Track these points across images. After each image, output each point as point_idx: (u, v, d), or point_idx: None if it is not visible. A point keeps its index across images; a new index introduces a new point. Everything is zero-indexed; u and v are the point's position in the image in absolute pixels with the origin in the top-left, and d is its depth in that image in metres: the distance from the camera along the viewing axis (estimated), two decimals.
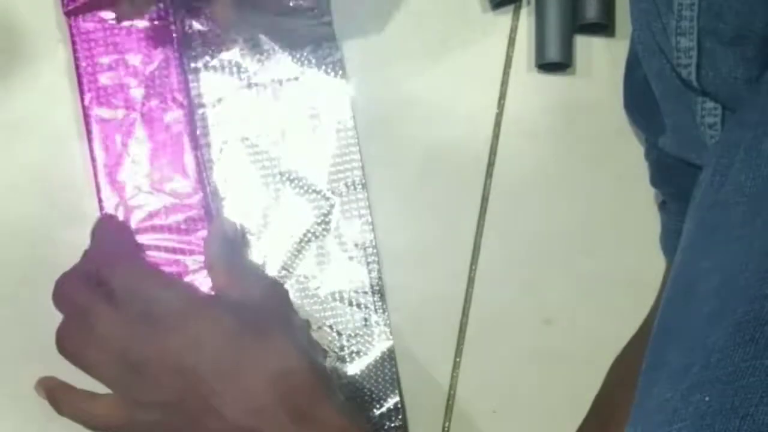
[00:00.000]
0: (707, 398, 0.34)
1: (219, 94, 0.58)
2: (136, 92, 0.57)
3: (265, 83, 0.59)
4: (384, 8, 0.59)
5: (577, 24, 0.59)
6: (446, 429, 0.57)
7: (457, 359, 0.57)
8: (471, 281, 0.58)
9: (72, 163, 0.58)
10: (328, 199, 0.58)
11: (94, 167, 0.57)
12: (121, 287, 0.52)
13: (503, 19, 0.60)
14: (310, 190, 0.58)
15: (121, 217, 0.56)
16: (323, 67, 0.58)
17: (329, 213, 0.58)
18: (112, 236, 0.56)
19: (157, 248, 0.56)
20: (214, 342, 0.50)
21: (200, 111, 0.58)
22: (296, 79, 0.58)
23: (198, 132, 0.57)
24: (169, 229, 0.56)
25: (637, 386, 0.40)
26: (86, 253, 0.55)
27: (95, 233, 0.56)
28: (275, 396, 0.49)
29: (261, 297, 0.54)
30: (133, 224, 0.56)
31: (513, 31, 0.60)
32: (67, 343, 0.52)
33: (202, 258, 0.56)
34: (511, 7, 0.60)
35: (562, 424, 0.55)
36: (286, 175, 0.58)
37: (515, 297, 0.58)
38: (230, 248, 0.56)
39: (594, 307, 0.58)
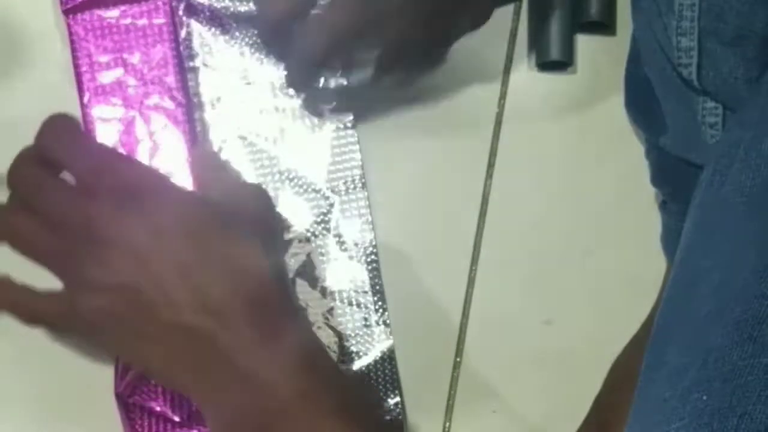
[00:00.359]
0: (705, 397, 0.34)
1: (218, 93, 0.58)
2: (135, 91, 0.57)
3: (264, 82, 0.59)
4: None
5: (578, 23, 0.59)
6: (446, 429, 0.57)
7: (458, 359, 0.57)
8: (471, 281, 0.58)
9: None
10: (327, 198, 0.58)
11: None
12: (83, 164, 0.49)
13: (504, 17, 0.60)
14: (309, 189, 0.58)
15: None
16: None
17: (329, 212, 0.58)
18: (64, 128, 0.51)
19: None
20: (178, 230, 0.48)
21: (199, 110, 0.58)
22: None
23: (197, 131, 0.57)
24: None
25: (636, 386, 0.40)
26: (38, 139, 0.51)
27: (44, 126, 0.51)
28: (236, 299, 0.47)
29: (242, 198, 0.52)
30: None
31: (514, 29, 0.60)
32: (16, 223, 0.49)
33: None
34: (511, 6, 0.60)
35: (562, 424, 0.55)
36: (285, 174, 0.58)
37: (515, 297, 0.58)
38: (214, 164, 0.55)
39: (594, 307, 0.58)
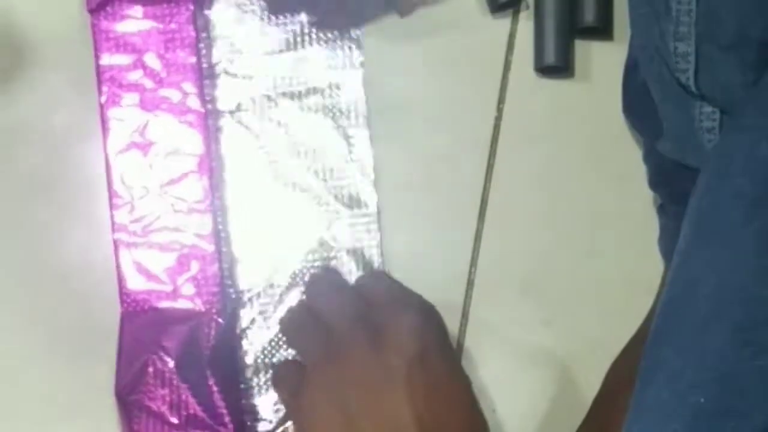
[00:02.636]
0: (703, 399, 0.35)
1: (237, 100, 0.59)
2: (152, 94, 0.57)
3: (283, 92, 0.59)
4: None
5: (575, 28, 0.59)
6: None
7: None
8: (470, 283, 0.58)
9: (74, 166, 0.58)
10: (338, 212, 0.58)
11: (108, 166, 0.57)
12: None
13: (502, 23, 0.60)
14: (320, 202, 0.58)
15: (128, 216, 0.57)
16: (345, 74, 0.59)
17: (338, 226, 0.58)
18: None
19: (162, 248, 0.57)
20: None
21: (216, 115, 0.58)
22: (316, 90, 0.59)
23: (212, 136, 0.58)
24: (176, 230, 0.57)
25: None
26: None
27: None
28: None
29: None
30: (141, 225, 0.57)
31: (512, 35, 0.60)
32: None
33: (204, 255, 0.56)
34: (510, 12, 0.60)
35: (561, 425, 0.55)
36: (297, 186, 0.58)
37: (515, 298, 0.58)
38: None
39: (593, 308, 0.58)
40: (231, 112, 0.59)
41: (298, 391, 0.52)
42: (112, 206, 0.57)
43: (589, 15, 0.59)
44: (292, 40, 0.59)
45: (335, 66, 0.59)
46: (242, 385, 0.57)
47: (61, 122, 0.58)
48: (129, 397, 0.54)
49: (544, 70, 0.59)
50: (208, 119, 0.57)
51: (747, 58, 0.46)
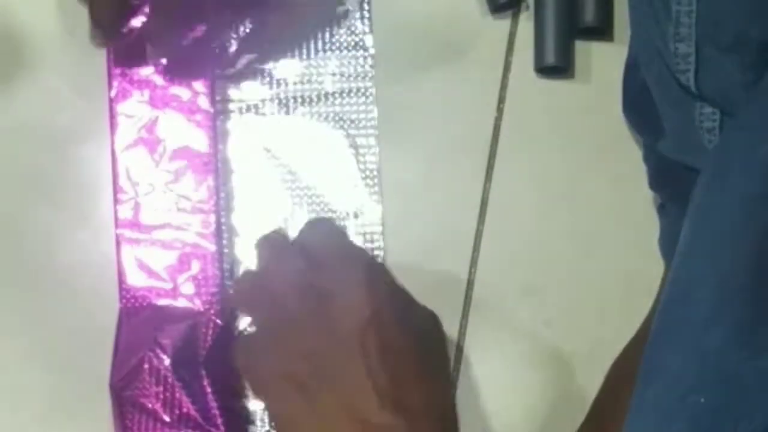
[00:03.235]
0: (703, 399, 0.35)
1: (247, 101, 0.59)
2: (163, 91, 0.57)
3: (294, 97, 0.59)
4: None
5: (575, 28, 0.59)
6: None
7: (457, 360, 0.58)
8: (471, 283, 0.58)
9: (74, 166, 0.58)
10: (343, 219, 0.58)
11: (113, 161, 0.57)
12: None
13: (502, 23, 0.60)
14: (326, 209, 0.58)
15: (132, 212, 0.57)
16: (354, 81, 0.59)
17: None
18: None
19: (164, 246, 0.57)
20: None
21: (226, 116, 0.58)
22: (326, 96, 0.59)
23: (220, 137, 0.58)
24: (179, 228, 0.57)
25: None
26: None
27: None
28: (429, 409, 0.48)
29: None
30: (144, 222, 0.57)
31: (512, 35, 0.60)
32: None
33: (206, 255, 0.56)
34: (510, 12, 0.60)
35: (561, 425, 0.55)
36: (304, 191, 0.58)
37: (515, 298, 0.58)
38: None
39: (593, 309, 0.58)
40: (241, 114, 0.59)
41: (253, 363, 0.51)
42: (116, 201, 0.57)
43: (589, 15, 0.59)
44: (305, 46, 0.59)
45: (347, 74, 0.59)
46: (237, 388, 0.57)
47: (62, 122, 0.58)
48: (123, 392, 0.54)
49: (544, 70, 0.59)
50: (217, 119, 0.57)
51: (747, 59, 0.46)
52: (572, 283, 0.58)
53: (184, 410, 0.54)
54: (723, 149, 0.43)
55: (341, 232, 0.55)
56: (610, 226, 0.59)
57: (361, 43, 0.59)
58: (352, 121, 0.59)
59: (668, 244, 0.55)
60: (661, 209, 0.56)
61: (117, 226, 0.57)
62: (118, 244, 0.56)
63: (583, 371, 0.56)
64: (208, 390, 0.54)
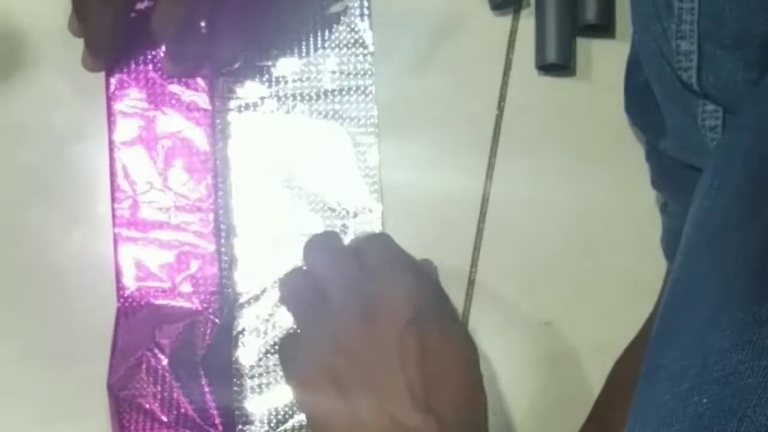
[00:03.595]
0: (705, 400, 0.35)
1: (246, 99, 0.58)
2: (161, 89, 0.57)
3: (293, 95, 0.59)
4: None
5: (577, 26, 0.59)
6: None
7: None
8: (471, 283, 0.58)
9: (73, 165, 0.58)
10: (342, 218, 0.58)
11: (111, 159, 0.57)
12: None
13: (503, 20, 0.60)
14: (325, 208, 0.58)
15: (129, 211, 0.56)
16: (354, 79, 0.59)
17: (342, 232, 0.58)
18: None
19: (161, 245, 0.56)
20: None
21: (225, 114, 0.58)
22: (326, 94, 0.59)
23: (219, 135, 0.58)
24: (176, 228, 0.56)
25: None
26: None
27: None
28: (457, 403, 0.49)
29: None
30: (142, 220, 0.56)
31: (513, 32, 0.60)
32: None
33: (204, 254, 0.56)
34: (511, 9, 0.60)
35: (562, 426, 0.55)
36: (303, 189, 0.58)
37: (515, 298, 0.58)
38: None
39: (594, 309, 0.58)
40: (240, 112, 0.58)
41: (293, 359, 0.52)
42: (113, 200, 0.56)
43: (590, 12, 0.59)
44: (305, 43, 0.59)
45: (347, 71, 0.59)
46: (235, 388, 0.57)
47: (60, 121, 0.58)
48: (121, 392, 0.54)
49: (545, 68, 0.59)
50: (215, 118, 0.57)
51: (750, 56, 0.46)
52: (573, 282, 0.58)
53: (182, 410, 0.54)
54: (725, 148, 0.43)
55: (396, 245, 0.55)
56: (611, 225, 0.59)
57: (360, 41, 0.59)
58: (352, 119, 0.58)
59: (670, 243, 0.55)
60: (664, 208, 0.56)
61: (115, 224, 0.56)
62: (115, 242, 0.56)
63: (584, 371, 0.56)
64: (206, 390, 0.54)
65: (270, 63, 0.59)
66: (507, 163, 0.59)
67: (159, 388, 0.54)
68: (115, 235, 0.56)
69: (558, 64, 0.59)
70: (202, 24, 0.56)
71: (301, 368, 0.51)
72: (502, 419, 0.57)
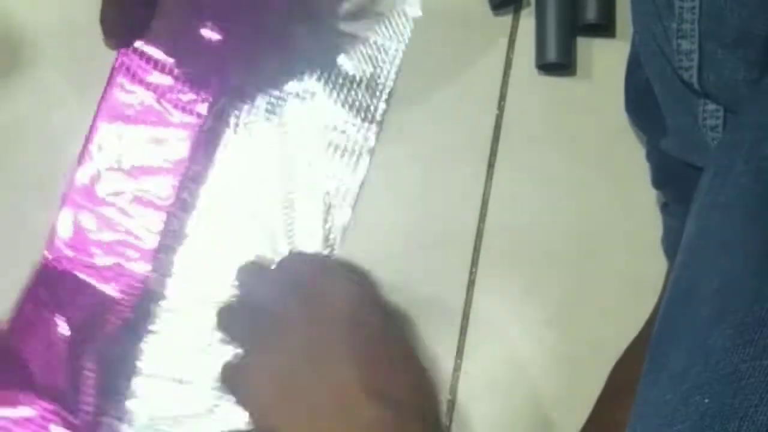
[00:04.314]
0: (707, 400, 0.35)
1: (244, 120, 0.58)
2: (163, 79, 0.57)
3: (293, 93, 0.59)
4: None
5: (577, 25, 0.59)
6: (448, 430, 0.57)
7: (458, 360, 0.57)
8: (471, 283, 0.58)
9: (71, 164, 0.58)
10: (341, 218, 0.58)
11: (92, 126, 0.57)
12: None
13: (504, 20, 0.60)
14: (325, 208, 0.58)
15: (89, 180, 0.56)
16: (357, 111, 0.59)
17: (332, 231, 0.58)
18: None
19: (107, 224, 0.56)
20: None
21: (218, 128, 0.58)
22: (318, 97, 0.59)
23: (205, 147, 0.58)
24: (126, 214, 0.56)
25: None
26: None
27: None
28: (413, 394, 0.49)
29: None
30: (97, 192, 0.56)
31: (513, 32, 0.60)
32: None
33: (143, 249, 0.56)
34: (511, 9, 0.60)
35: (563, 426, 0.55)
36: (301, 191, 0.58)
37: (516, 298, 0.58)
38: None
39: (595, 309, 0.58)
40: (234, 131, 0.58)
41: (244, 380, 0.52)
42: (79, 162, 0.56)
43: (591, 12, 0.59)
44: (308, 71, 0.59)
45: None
46: (125, 387, 0.56)
47: (59, 121, 0.58)
48: (11, 336, 0.54)
49: (545, 67, 0.59)
50: (209, 130, 0.57)
51: (751, 56, 0.46)
52: (574, 283, 0.58)
53: (58, 382, 0.53)
54: (726, 147, 0.43)
55: (319, 256, 0.56)
56: (612, 225, 0.58)
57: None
58: (347, 150, 0.59)
59: (671, 242, 0.55)
60: (664, 208, 0.56)
61: (69, 187, 0.56)
62: (63, 203, 0.56)
63: (585, 371, 0.56)
64: (90, 375, 0.54)
65: (274, 89, 0.59)
66: (507, 162, 0.59)
67: (46, 350, 0.53)
68: (64, 195, 0.56)
69: (558, 64, 0.59)
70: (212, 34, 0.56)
71: (253, 385, 0.51)
72: (503, 419, 0.57)
